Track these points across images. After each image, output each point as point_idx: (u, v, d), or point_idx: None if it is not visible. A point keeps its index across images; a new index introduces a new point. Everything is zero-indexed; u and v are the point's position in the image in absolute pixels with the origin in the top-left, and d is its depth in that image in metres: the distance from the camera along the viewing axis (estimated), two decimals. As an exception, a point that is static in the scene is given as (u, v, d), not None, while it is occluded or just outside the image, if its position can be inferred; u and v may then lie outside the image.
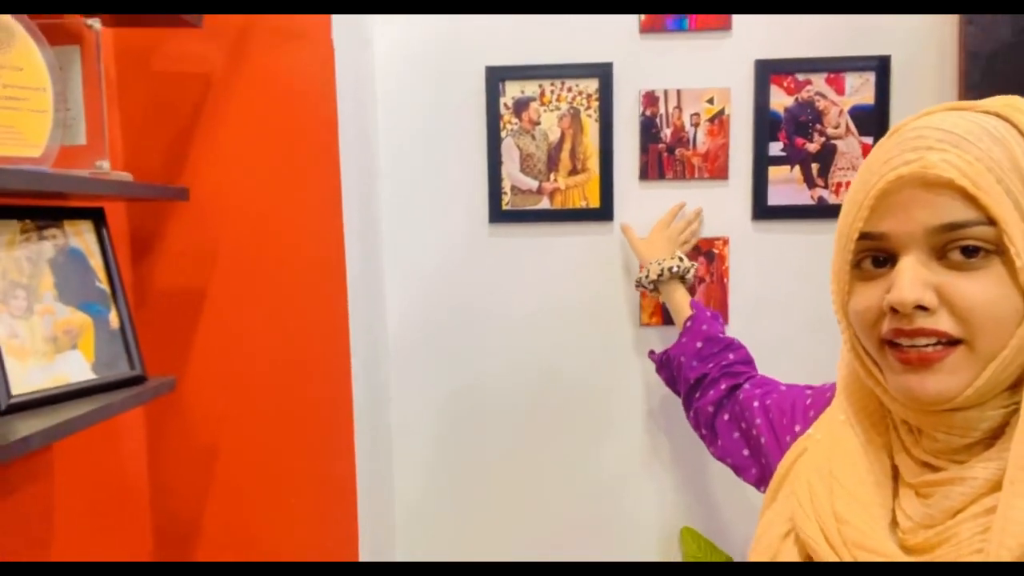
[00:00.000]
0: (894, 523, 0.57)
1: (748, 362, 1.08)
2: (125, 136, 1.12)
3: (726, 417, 0.99)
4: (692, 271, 1.23)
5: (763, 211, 1.34)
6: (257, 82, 1.10)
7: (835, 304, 0.61)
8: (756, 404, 0.90)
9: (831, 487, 0.59)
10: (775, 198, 1.33)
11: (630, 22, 1.32)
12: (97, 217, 0.92)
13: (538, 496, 1.40)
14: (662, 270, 1.21)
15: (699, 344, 1.09)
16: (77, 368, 0.85)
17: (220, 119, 1.11)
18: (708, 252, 1.35)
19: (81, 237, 0.90)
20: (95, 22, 0.84)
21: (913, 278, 0.52)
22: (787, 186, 1.33)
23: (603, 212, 1.35)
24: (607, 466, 1.39)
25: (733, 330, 1.36)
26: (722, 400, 1.01)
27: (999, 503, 0.50)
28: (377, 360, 1.33)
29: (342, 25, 1.14)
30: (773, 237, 1.35)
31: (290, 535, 1.17)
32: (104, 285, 0.91)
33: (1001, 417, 0.54)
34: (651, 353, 1.24)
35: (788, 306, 1.35)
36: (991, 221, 0.51)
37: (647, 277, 1.23)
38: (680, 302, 1.20)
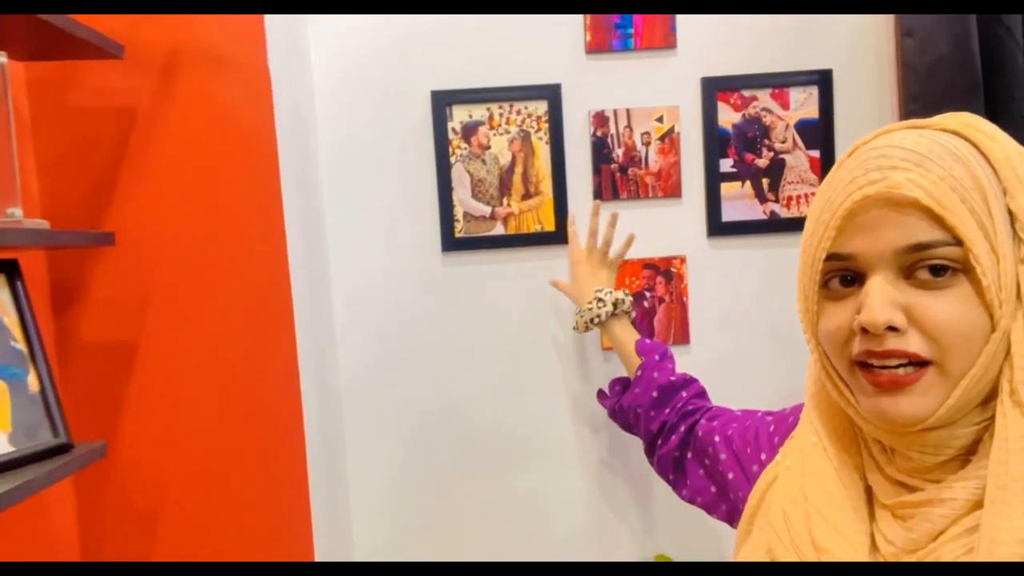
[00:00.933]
0: (873, 546, 0.56)
1: (701, 395, 1.06)
2: (41, 179, 1.02)
3: (689, 456, 0.96)
4: (619, 306, 1.15)
5: (718, 227, 1.33)
6: (187, 115, 1.03)
7: (803, 323, 0.61)
8: (717, 439, 0.87)
9: (807, 514, 0.58)
10: (729, 214, 1.33)
11: (576, 43, 1.30)
12: (10, 270, 0.83)
13: (502, 528, 1.34)
14: (587, 321, 1.16)
15: (655, 394, 1.05)
16: (-9, 442, 0.75)
17: (147, 156, 1.03)
18: (666, 271, 1.33)
19: (-8, 293, 0.80)
20: (1, 56, 0.76)
21: (883, 298, 0.52)
22: (740, 202, 1.33)
23: (559, 235, 1.32)
24: (574, 495, 1.35)
25: (695, 348, 1.35)
26: (684, 440, 0.98)
27: (981, 523, 0.50)
28: (329, 402, 1.26)
29: (279, 51, 1.08)
30: (729, 253, 1.34)
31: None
32: (21, 345, 0.81)
33: (973, 434, 0.54)
34: (601, 399, 1.20)
35: (748, 321, 1.34)
36: (957, 240, 0.51)
37: (575, 329, 1.20)
38: (623, 341, 1.13)
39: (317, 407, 1.16)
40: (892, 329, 0.52)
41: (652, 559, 1.34)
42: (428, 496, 1.34)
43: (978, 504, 0.51)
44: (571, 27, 1.30)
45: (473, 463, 1.34)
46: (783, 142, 1.32)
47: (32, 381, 0.82)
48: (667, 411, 1.03)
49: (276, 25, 1.07)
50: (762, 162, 1.32)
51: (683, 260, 1.33)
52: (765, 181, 1.33)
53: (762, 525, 0.63)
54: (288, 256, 1.06)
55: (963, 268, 0.51)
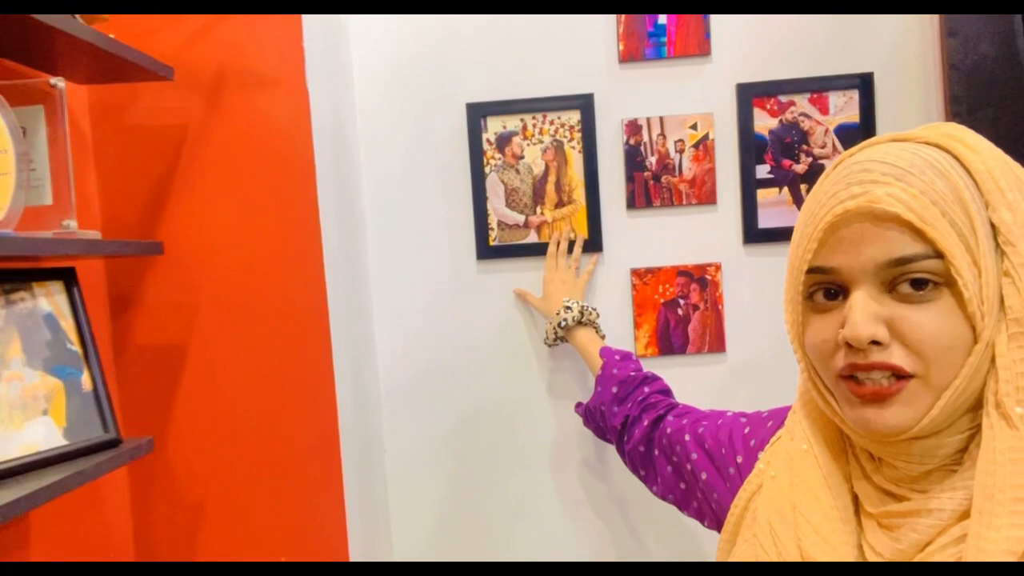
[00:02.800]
0: (862, 559, 0.56)
1: (665, 391, 1.06)
2: (101, 193, 1.11)
3: (656, 452, 0.96)
4: (586, 314, 1.21)
5: (754, 234, 1.31)
6: (232, 131, 1.09)
7: (790, 335, 0.61)
8: (688, 438, 0.86)
9: (795, 522, 0.59)
10: (765, 221, 1.31)
11: (609, 53, 1.31)
12: (68, 277, 0.90)
13: (537, 532, 1.36)
14: (555, 326, 1.22)
15: (614, 389, 1.07)
16: (47, 435, 0.82)
17: (196, 170, 1.10)
18: (700, 278, 1.33)
19: (51, 298, 0.87)
20: (59, 81, 0.83)
21: (865, 313, 0.52)
22: (776, 208, 1.31)
23: (592, 243, 1.33)
24: (606, 499, 1.35)
25: (730, 356, 1.33)
26: (649, 435, 0.98)
27: (969, 533, 0.50)
28: (367, 405, 1.30)
29: (318, 69, 1.13)
30: (765, 260, 1.32)
31: (282, 594, 1.13)
32: (76, 347, 0.88)
33: (959, 443, 0.54)
34: (577, 406, 1.21)
35: (783, 329, 1.31)
36: (938, 254, 0.51)
37: (546, 340, 1.25)
38: (588, 349, 1.18)
39: (353, 409, 1.20)
40: (875, 343, 0.52)
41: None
42: (465, 498, 1.37)
43: (965, 514, 0.51)
44: (604, 37, 1.31)
45: (508, 467, 1.36)
46: (822, 147, 1.30)
47: (86, 380, 0.89)
48: (628, 405, 1.04)
49: (315, 44, 1.12)
50: (800, 168, 1.30)
51: (718, 267, 1.32)
52: (803, 187, 1.30)
53: (747, 536, 0.63)
54: (324, 264, 1.11)
55: (945, 281, 0.52)
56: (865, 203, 0.52)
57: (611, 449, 1.33)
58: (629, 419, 1.03)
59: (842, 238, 0.54)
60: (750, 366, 1.33)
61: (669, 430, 0.93)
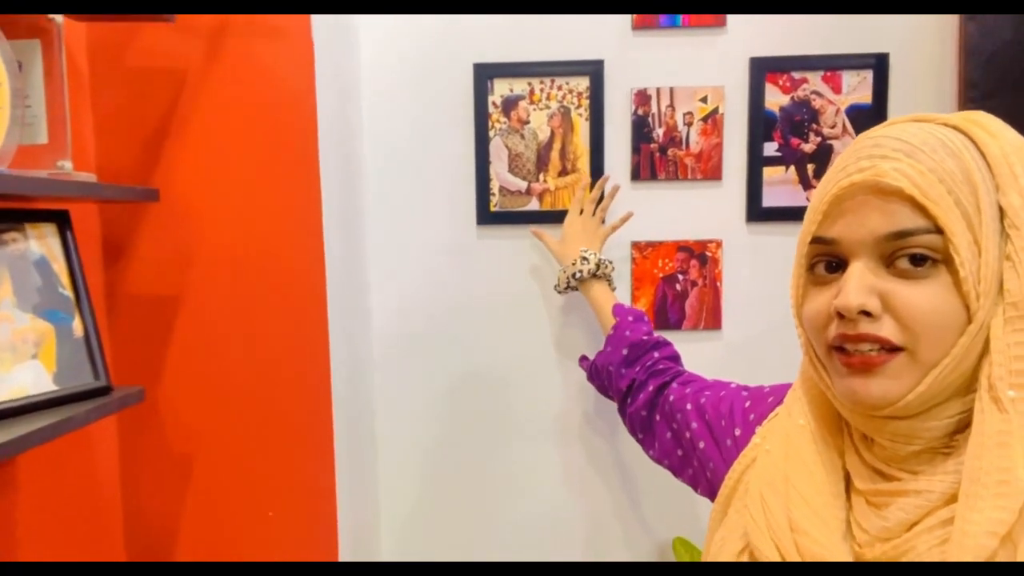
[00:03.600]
0: (849, 533, 0.57)
1: (674, 358, 1.07)
2: (98, 135, 1.08)
3: (658, 418, 0.97)
4: (602, 267, 1.18)
5: (757, 213, 1.30)
6: (233, 79, 1.06)
7: (793, 308, 0.62)
8: (689, 406, 0.88)
9: (787, 494, 0.59)
10: (770, 199, 1.30)
11: (622, 19, 1.29)
12: (61, 220, 0.88)
13: (530, 501, 1.37)
14: (569, 276, 1.19)
15: (625, 351, 1.07)
16: (36, 379, 0.80)
17: (194, 118, 1.07)
18: (701, 255, 1.32)
19: (44, 241, 0.85)
20: (57, 17, 0.80)
21: (859, 284, 0.53)
22: (782, 187, 1.30)
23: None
24: (602, 470, 1.36)
25: (726, 333, 1.33)
26: (652, 400, 0.99)
27: (956, 516, 0.50)
28: (360, 365, 1.30)
29: (324, 22, 1.10)
30: (768, 239, 1.31)
31: (267, 544, 1.13)
32: (68, 291, 0.87)
33: (948, 427, 0.54)
34: (582, 362, 1.21)
35: (782, 309, 1.31)
36: (939, 230, 0.51)
37: (557, 286, 1.22)
38: (600, 304, 1.16)
39: (347, 367, 1.20)
40: (866, 314, 0.53)
41: (671, 542, 1.35)
42: (457, 466, 1.37)
43: (954, 498, 0.52)
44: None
45: (502, 434, 1.36)
46: (832, 127, 1.28)
47: (77, 326, 0.87)
48: (636, 369, 1.04)
49: (321, -7, 1.09)
50: (808, 147, 1.29)
51: (719, 244, 1.31)
52: (811, 167, 1.29)
53: (739, 508, 0.63)
54: (323, 220, 1.09)
55: (944, 259, 0.52)
56: (871, 176, 0.53)
57: (611, 416, 1.34)
58: (635, 383, 1.03)
59: (846, 210, 0.55)
60: (745, 344, 1.33)
61: (672, 397, 0.94)
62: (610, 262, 1.20)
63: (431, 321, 1.35)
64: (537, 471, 1.36)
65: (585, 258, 1.18)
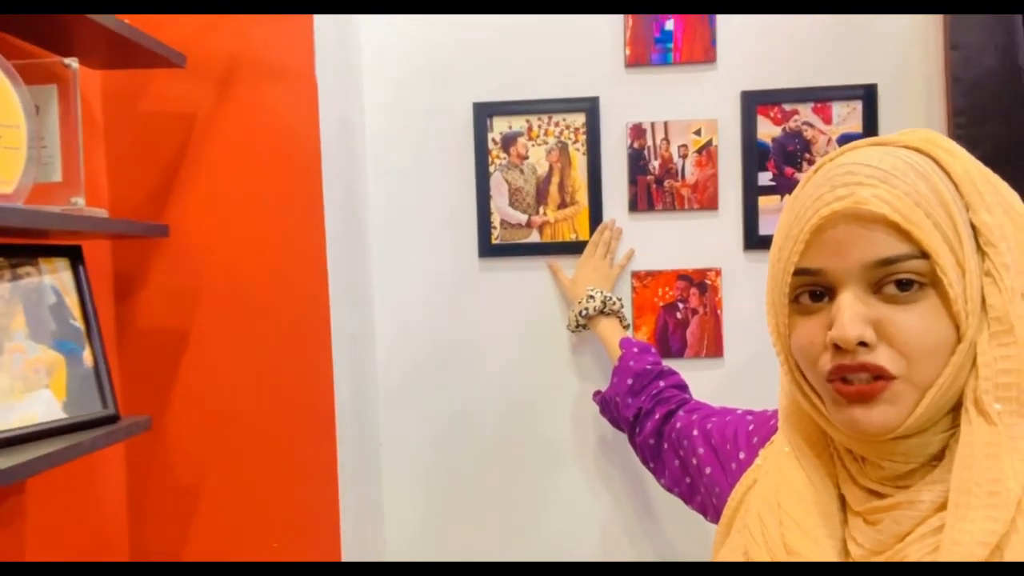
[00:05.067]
0: (845, 552, 0.57)
1: (680, 386, 1.08)
2: (111, 175, 1.13)
3: (666, 446, 0.98)
4: (608, 304, 1.22)
5: (755, 241, 1.32)
6: (240, 120, 1.11)
7: (773, 337, 0.61)
8: (696, 432, 0.89)
9: (780, 520, 0.60)
10: (767, 228, 1.32)
11: (616, 57, 1.33)
12: (74, 255, 0.92)
13: (535, 533, 1.36)
14: (576, 316, 1.24)
15: (630, 381, 1.09)
16: (47, 407, 0.83)
17: (203, 158, 1.12)
18: (700, 283, 1.33)
19: (57, 275, 0.89)
20: (72, 61, 0.86)
21: (853, 314, 0.53)
22: (778, 216, 1.31)
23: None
24: (605, 502, 1.35)
25: (728, 361, 1.33)
26: (659, 428, 1.00)
27: (946, 524, 0.51)
28: (364, 396, 1.31)
29: (327, 62, 1.15)
30: (765, 267, 1.32)
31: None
32: (79, 323, 0.90)
33: (942, 442, 0.55)
34: (595, 395, 1.23)
35: (783, 337, 1.32)
36: (923, 254, 0.52)
37: (568, 326, 1.27)
38: (608, 339, 1.20)
39: (351, 400, 1.21)
40: (863, 344, 0.53)
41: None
42: (461, 496, 1.37)
43: (943, 506, 0.52)
44: (611, 41, 1.33)
45: (506, 465, 1.36)
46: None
47: (87, 357, 0.90)
48: (642, 398, 1.06)
49: (325, 37, 1.15)
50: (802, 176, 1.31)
51: (718, 273, 1.33)
52: (805, 196, 1.31)
53: (740, 528, 0.64)
54: (327, 257, 1.13)
55: (930, 282, 0.52)
56: (851, 204, 0.53)
57: (619, 446, 1.34)
58: (642, 412, 1.05)
59: (828, 239, 0.54)
60: (747, 372, 1.33)
61: (679, 425, 0.95)
62: (618, 299, 1.24)
63: (435, 352, 1.37)
64: (544, 503, 1.36)
65: (591, 296, 1.23)
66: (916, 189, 0.53)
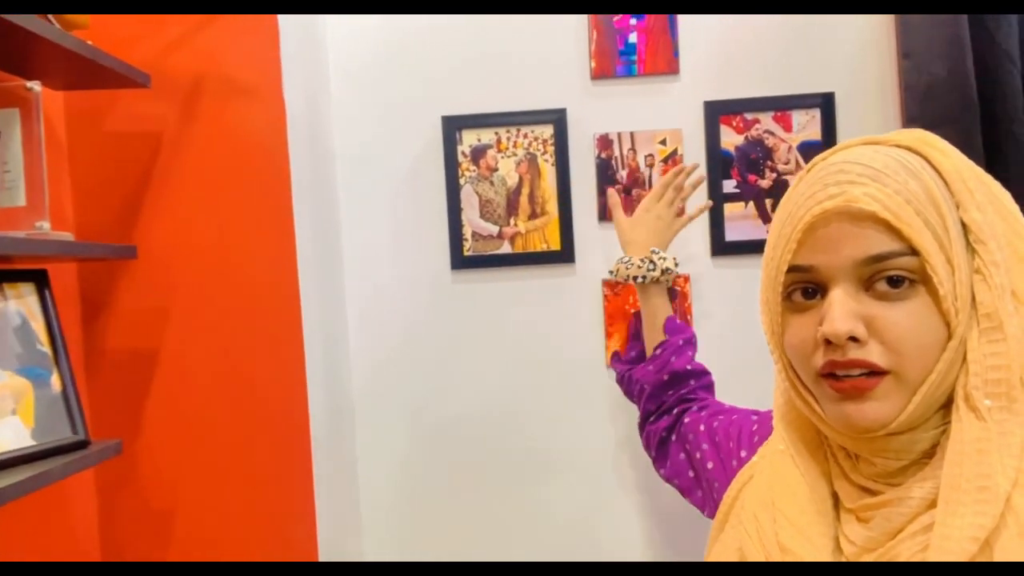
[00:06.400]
0: (838, 550, 0.58)
1: (708, 388, 1.07)
2: (76, 197, 1.11)
3: (674, 438, 0.99)
4: (670, 274, 1.11)
5: (721, 247, 1.35)
6: (208, 139, 1.11)
7: (767, 335, 0.62)
8: (702, 428, 0.90)
9: (774, 517, 0.60)
10: (733, 234, 1.35)
11: (581, 70, 1.35)
12: (39, 279, 0.91)
13: (507, 540, 1.36)
14: (629, 276, 1.11)
15: (665, 377, 1.05)
16: (15, 435, 0.82)
17: (171, 177, 1.11)
18: (670, 290, 1.35)
19: (23, 300, 0.88)
20: (34, 85, 0.85)
21: (844, 310, 0.53)
22: (743, 222, 1.35)
23: (564, 254, 1.35)
24: (576, 511, 1.36)
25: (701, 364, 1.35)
26: (674, 424, 1.02)
27: (935, 521, 0.51)
28: (339, 413, 1.31)
29: (294, 79, 1.15)
30: (733, 272, 1.36)
31: (251, 601, 1.12)
32: (46, 348, 0.89)
33: (933, 439, 0.56)
34: (614, 361, 1.20)
35: (752, 339, 1.34)
36: (913, 252, 0.53)
37: (612, 273, 1.14)
38: (654, 312, 1.11)
39: (326, 417, 1.21)
40: (853, 339, 0.53)
41: None
42: (436, 508, 1.37)
43: (934, 503, 0.53)
44: (577, 54, 1.35)
45: (480, 477, 1.37)
46: (786, 163, 1.34)
47: (55, 382, 0.89)
48: (670, 393, 1.04)
49: (292, 55, 1.15)
50: (765, 183, 1.34)
51: (687, 279, 1.35)
52: (768, 202, 1.34)
53: (735, 523, 0.65)
54: (298, 272, 1.12)
55: (920, 279, 0.53)
56: (843, 203, 0.54)
57: (594, 456, 1.35)
58: (663, 406, 1.05)
59: (820, 237, 0.55)
60: (718, 376, 1.35)
61: (687, 420, 0.96)
62: (677, 265, 1.13)
63: (410, 366, 1.37)
64: (521, 511, 1.36)
65: (653, 262, 1.11)
66: (907, 187, 0.53)
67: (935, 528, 0.51)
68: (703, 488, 0.87)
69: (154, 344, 1.11)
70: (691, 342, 1.10)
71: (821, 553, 0.57)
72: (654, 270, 1.11)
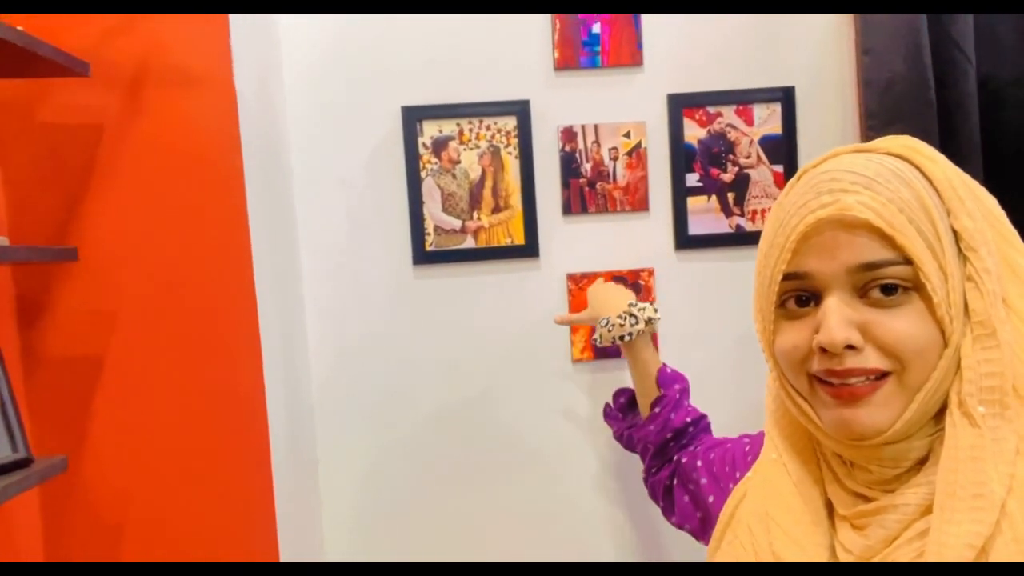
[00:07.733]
0: (834, 559, 0.58)
1: (705, 429, 1.03)
2: (9, 196, 1.03)
3: (676, 483, 0.96)
4: (654, 323, 1.09)
5: (685, 240, 1.35)
6: (153, 131, 1.04)
7: (762, 342, 0.62)
8: (699, 463, 0.88)
9: (769, 528, 0.60)
10: (695, 227, 1.35)
11: (545, 60, 1.32)
12: (-29, 286, 0.83)
13: (473, 541, 1.35)
14: (615, 336, 1.08)
15: (668, 435, 1.01)
16: (-52, 458, 0.75)
17: (113, 172, 1.03)
18: (635, 284, 1.35)
19: (-48, 309, 0.81)
20: (-40, 75, 0.77)
21: (840, 318, 0.54)
22: (706, 215, 1.35)
23: (528, 249, 1.33)
24: (545, 507, 1.36)
25: (664, 358, 1.35)
26: (675, 470, 0.98)
27: (931, 528, 0.52)
28: (299, 417, 1.26)
29: (246, 67, 1.09)
30: (696, 265, 1.36)
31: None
32: (-19, 361, 0.82)
33: (927, 446, 0.56)
34: (608, 418, 1.19)
35: (716, 332, 1.36)
36: (907, 260, 0.53)
37: (597, 341, 1.12)
38: (644, 366, 1.08)
39: (286, 418, 1.16)
40: (850, 347, 0.53)
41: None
42: (399, 508, 1.34)
43: (929, 509, 0.53)
44: (540, 45, 1.32)
45: (444, 475, 1.35)
46: (747, 157, 1.35)
47: (-8, 397, 0.83)
48: (672, 446, 1.01)
49: (243, 42, 1.08)
50: (727, 177, 1.35)
51: (651, 272, 1.35)
52: (731, 195, 1.35)
53: (731, 539, 0.64)
54: (253, 270, 1.07)
55: (914, 286, 0.53)
56: (836, 211, 0.54)
57: (559, 456, 1.34)
58: (666, 457, 1.01)
59: (814, 245, 0.55)
60: (683, 368, 1.35)
61: (684, 460, 0.94)
62: (657, 311, 1.09)
63: (372, 364, 1.33)
64: (489, 513, 1.35)
65: (634, 315, 1.07)
66: (899, 195, 0.54)
67: (931, 535, 0.51)
68: (711, 527, 0.86)
69: (99, 351, 1.04)
70: (686, 391, 1.07)
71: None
72: (637, 323, 1.07)
